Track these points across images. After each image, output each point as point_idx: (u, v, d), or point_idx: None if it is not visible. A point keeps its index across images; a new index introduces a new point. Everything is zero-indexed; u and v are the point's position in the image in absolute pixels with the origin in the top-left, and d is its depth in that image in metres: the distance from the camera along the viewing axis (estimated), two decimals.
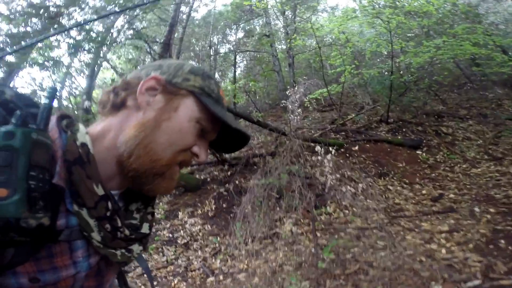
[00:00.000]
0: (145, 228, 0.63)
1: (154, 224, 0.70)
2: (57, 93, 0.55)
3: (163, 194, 0.70)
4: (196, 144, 0.61)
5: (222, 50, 15.89)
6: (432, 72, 9.54)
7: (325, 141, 6.91)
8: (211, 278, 3.35)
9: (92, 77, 10.64)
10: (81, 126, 0.55)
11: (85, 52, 8.15)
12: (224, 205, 5.31)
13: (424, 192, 4.73)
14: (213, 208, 5.23)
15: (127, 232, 0.57)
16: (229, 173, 6.39)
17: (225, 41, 16.04)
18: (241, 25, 14.55)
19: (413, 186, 5.08)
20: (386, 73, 8.91)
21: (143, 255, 0.72)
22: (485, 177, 4.71)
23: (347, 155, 6.52)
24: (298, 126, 9.07)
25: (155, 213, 0.71)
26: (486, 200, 3.75)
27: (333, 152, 5.44)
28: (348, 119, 8.88)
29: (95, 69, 10.95)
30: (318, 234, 4.19)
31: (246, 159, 6.32)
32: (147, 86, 0.58)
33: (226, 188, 5.68)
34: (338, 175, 5.73)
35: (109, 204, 0.54)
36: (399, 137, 7.21)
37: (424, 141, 6.95)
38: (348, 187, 5.11)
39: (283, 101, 10.75)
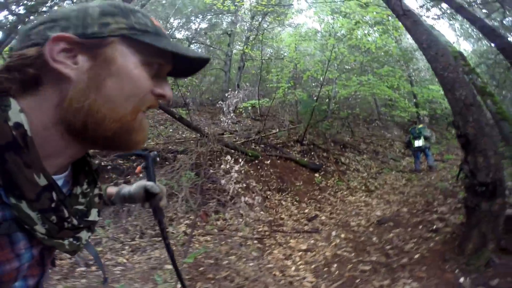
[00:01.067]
0: (93, 215, 0.58)
1: (102, 207, 0.63)
2: None
3: (141, 145, 0.57)
4: (155, 86, 0.53)
5: (179, 36, 15.53)
6: (354, 104, 11.01)
7: (244, 150, 7.59)
8: (82, 268, 3.19)
9: None
10: (13, 102, 0.44)
11: None
12: None
13: (306, 211, 5.69)
14: None
15: (75, 221, 0.51)
16: (134, 164, 6.57)
17: (185, 27, 15.65)
18: (207, 16, 14.39)
19: (301, 204, 6.04)
20: (315, 98, 9.96)
21: (90, 242, 0.68)
22: (354, 205, 5.85)
23: (258, 167, 7.30)
24: (226, 129, 9.71)
25: (102, 195, 0.64)
26: (344, 226, 4.76)
27: (241, 164, 6.15)
28: (272, 133, 9.72)
29: None
30: (209, 238, 4.71)
31: (157, 152, 6.66)
32: (59, 49, 0.45)
33: (126, 180, 5.66)
34: (244, 184, 6.48)
35: (54, 195, 0.47)
36: (306, 159, 8.26)
37: (324, 166, 8.11)
38: (247, 197, 5.86)
39: (220, 102, 11.26)
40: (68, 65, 0.46)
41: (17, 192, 0.43)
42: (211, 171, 6.42)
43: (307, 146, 9.08)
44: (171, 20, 14.94)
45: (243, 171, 7.09)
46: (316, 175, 7.65)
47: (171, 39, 0.56)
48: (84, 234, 0.55)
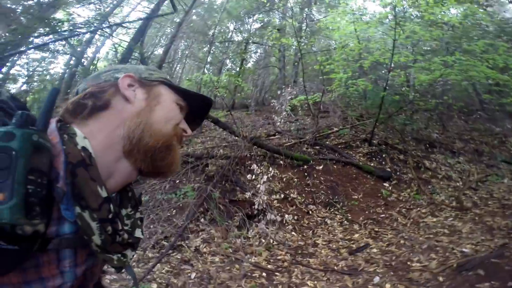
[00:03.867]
0: (138, 233, 0.63)
1: (143, 229, 0.66)
2: (58, 94, 0.54)
3: (177, 168, 0.65)
4: (181, 122, 0.69)
5: (237, 38, 15.10)
6: (443, 92, 8.33)
7: (289, 153, 6.21)
8: None
9: None
10: (77, 130, 0.54)
11: None
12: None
13: (355, 236, 4.03)
14: None
15: (125, 236, 0.56)
16: None
17: (241, 29, 15.17)
18: (256, 16, 13.67)
19: (352, 226, 4.38)
20: (387, 87, 7.83)
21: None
22: (431, 231, 3.89)
23: (306, 174, 5.83)
24: (277, 129, 8.42)
25: (143, 219, 0.66)
26: (399, 268, 3.00)
27: (276, 171, 4.81)
28: (331, 131, 8.02)
29: None
30: (217, 259, 3.68)
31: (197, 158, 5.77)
32: (127, 83, 0.63)
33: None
34: (282, 195, 5.11)
35: (111, 207, 0.52)
36: (372, 164, 6.34)
37: (398, 173, 6.06)
38: (279, 212, 4.51)
39: (272, 100, 10.06)
40: (131, 93, 0.63)
41: (83, 202, 0.48)
42: (242, 179, 5.26)
43: (377, 146, 7.07)
44: (228, 24, 14.49)
45: (285, 179, 5.73)
46: (386, 184, 5.72)
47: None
48: (129, 252, 0.59)
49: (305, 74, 11.55)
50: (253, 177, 4.95)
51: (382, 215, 4.64)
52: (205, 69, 13.58)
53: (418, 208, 4.84)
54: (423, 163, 6.50)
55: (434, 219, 4.35)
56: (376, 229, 4.18)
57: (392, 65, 7.08)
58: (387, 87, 7.51)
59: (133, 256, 0.61)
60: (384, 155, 6.74)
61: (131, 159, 0.59)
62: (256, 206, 4.50)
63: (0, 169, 0.40)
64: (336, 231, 4.24)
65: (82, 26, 6.90)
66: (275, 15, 13.61)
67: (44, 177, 0.45)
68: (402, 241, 3.69)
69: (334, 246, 3.83)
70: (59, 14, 8.19)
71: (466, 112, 9.12)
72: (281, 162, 6.07)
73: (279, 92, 9.41)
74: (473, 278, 2.37)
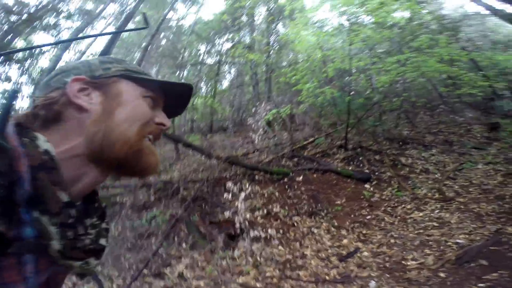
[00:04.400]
0: (102, 242, 0.56)
1: (108, 240, 0.59)
2: (18, 96, 0.52)
3: (155, 169, 0.59)
4: (155, 116, 0.61)
5: (209, 60, 15.00)
6: (404, 91, 8.51)
7: (268, 169, 5.97)
8: None
9: None
10: (38, 134, 0.50)
11: None
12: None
13: (344, 241, 3.76)
14: None
15: (87, 241, 0.52)
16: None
17: (212, 51, 15.10)
18: (225, 36, 13.73)
19: (339, 231, 4.11)
20: (352, 93, 7.90)
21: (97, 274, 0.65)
22: (420, 227, 3.70)
23: (287, 186, 5.57)
24: (256, 147, 8.21)
25: (109, 229, 0.60)
26: (394, 269, 2.74)
27: (248, 191, 4.54)
28: (309, 141, 7.93)
29: None
30: (202, 284, 3.34)
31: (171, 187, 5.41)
32: (77, 88, 0.55)
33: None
34: (264, 211, 4.81)
35: (73, 211, 0.49)
36: (350, 168, 6.20)
37: (377, 173, 5.95)
38: (263, 229, 4.19)
39: (248, 119, 9.90)
40: (85, 99, 0.54)
41: (42, 206, 0.45)
42: (222, 199, 4.93)
43: (353, 150, 6.99)
44: (200, 46, 14.45)
45: (266, 194, 5.44)
46: (367, 186, 5.56)
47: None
48: (92, 260, 0.55)
49: (278, 88, 11.53)
50: (231, 196, 4.64)
51: (368, 217, 4.42)
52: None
53: (403, 205, 4.68)
54: (399, 160, 6.46)
55: (421, 214, 4.18)
56: (364, 232, 3.93)
57: (354, 70, 7.18)
58: (352, 92, 7.58)
59: (96, 264, 0.56)
60: (361, 158, 6.65)
61: (98, 167, 0.55)
62: (237, 225, 4.16)
63: None
64: (324, 239, 3.95)
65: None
66: (245, 33, 13.76)
67: (4, 178, 0.42)
68: (392, 240, 3.46)
69: (323, 255, 3.54)
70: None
71: (429, 107, 9.35)
72: (261, 178, 5.82)
73: (253, 109, 9.29)
74: (478, 270, 2.16)
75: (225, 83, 15.92)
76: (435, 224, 3.67)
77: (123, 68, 0.59)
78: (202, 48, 14.58)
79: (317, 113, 9.30)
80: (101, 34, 1.83)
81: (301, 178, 5.85)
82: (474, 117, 7.97)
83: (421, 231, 3.56)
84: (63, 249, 0.47)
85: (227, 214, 4.34)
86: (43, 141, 0.48)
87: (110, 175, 0.58)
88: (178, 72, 12.66)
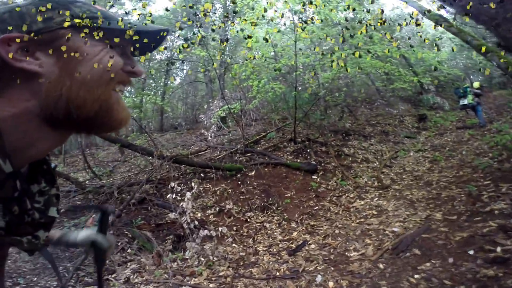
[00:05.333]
0: (52, 212, 0.50)
1: (59, 206, 0.52)
2: None
3: (126, 123, 0.50)
4: (125, 64, 0.51)
5: (159, 57, 14.17)
6: (346, 87, 8.91)
7: (219, 165, 5.81)
8: None
9: None
10: None
11: None
12: None
13: (294, 234, 3.79)
14: None
15: (36, 215, 0.46)
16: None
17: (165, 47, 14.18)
18: (177, 32, 13.02)
19: (289, 225, 4.14)
20: (299, 88, 8.02)
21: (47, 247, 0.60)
22: (361, 215, 3.86)
23: (239, 182, 5.47)
24: (209, 144, 7.99)
25: (60, 196, 0.51)
26: (339, 261, 2.81)
27: (196, 189, 4.36)
28: (261, 136, 7.91)
29: None
30: None
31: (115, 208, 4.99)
32: (13, 51, 0.42)
33: None
34: (217, 209, 4.68)
35: (18, 183, 0.41)
36: (299, 160, 6.31)
37: (323, 164, 6.12)
38: (208, 231, 4.05)
39: (200, 116, 9.60)
40: (30, 61, 0.44)
41: None
42: (170, 199, 4.67)
43: (301, 143, 7.13)
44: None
45: (218, 192, 5.29)
46: (314, 177, 5.69)
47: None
48: (41, 233, 0.49)
49: (233, 85, 11.29)
50: (180, 196, 4.42)
51: (315, 208, 4.53)
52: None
53: (346, 194, 4.87)
54: (342, 151, 6.74)
55: (362, 202, 4.39)
56: (312, 223, 4.01)
57: (301, 66, 7.27)
58: (299, 87, 7.71)
59: (46, 237, 0.49)
60: (308, 150, 6.80)
61: (58, 130, 0.47)
62: (185, 226, 3.98)
63: None
64: (275, 233, 3.95)
65: None
66: (198, 29, 13.12)
67: None
68: (337, 231, 3.56)
69: (274, 249, 3.52)
70: None
71: (368, 101, 9.93)
72: (213, 175, 5.65)
73: (205, 106, 9.02)
74: (412, 259, 2.27)
75: (177, 81, 15.27)
76: (374, 212, 3.86)
77: (75, 16, 0.47)
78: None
79: (269, 109, 9.31)
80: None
81: (253, 173, 5.80)
82: (406, 109, 8.62)
83: (362, 220, 3.72)
84: (7, 226, 0.41)
85: (173, 215, 4.11)
86: None
87: (74, 135, 0.52)
88: None
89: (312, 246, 3.32)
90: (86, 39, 0.47)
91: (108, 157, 7.84)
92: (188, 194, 4.00)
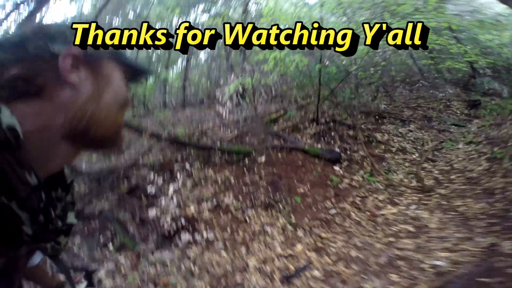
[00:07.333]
0: (71, 218, 0.51)
1: (76, 212, 0.52)
2: None
3: (123, 140, 0.54)
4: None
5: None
6: (380, 63, 7.33)
7: (227, 148, 4.89)
8: None
9: None
10: (3, 108, 0.39)
11: None
12: None
13: (297, 250, 2.79)
14: None
15: (59, 223, 0.45)
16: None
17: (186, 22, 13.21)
18: (200, 6, 11.93)
19: (295, 233, 3.15)
20: (327, 62, 6.68)
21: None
22: (390, 232, 2.74)
23: (245, 169, 4.51)
24: (224, 122, 7.06)
25: (75, 203, 0.51)
26: None
27: (194, 177, 3.47)
28: (280, 114, 6.82)
29: None
30: None
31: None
32: (70, 64, 0.45)
33: None
34: (214, 202, 3.80)
35: (43, 195, 0.41)
36: (320, 146, 5.16)
37: (348, 152, 4.93)
38: (197, 231, 3.20)
39: (216, 90, 8.68)
40: (75, 76, 0.46)
41: (9, 191, 0.38)
42: (162, 189, 3.87)
43: (325, 124, 5.92)
44: (173, 18, 12.60)
45: (220, 180, 4.39)
46: (336, 168, 4.57)
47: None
48: (62, 239, 0.49)
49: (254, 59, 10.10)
50: (153, 191, 3.59)
51: (332, 212, 3.46)
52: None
53: (375, 195, 3.72)
54: (374, 137, 5.45)
55: (394, 210, 3.23)
56: (323, 235, 2.97)
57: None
58: (326, 61, 6.36)
59: (66, 242, 0.50)
60: (332, 133, 5.60)
61: (75, 146, 0.47)
62: (165, 226, 3.16)
63: None
64: (276, 243, 2.99)
65: None
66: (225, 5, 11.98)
67: None
68: (353, 253, 2.50)
69: (268, 268, 2.57)
70: None
71: (408, 82, 8.22)
72: (218, 160, 4.75)
73: (221, 81, 8.03)
74: None
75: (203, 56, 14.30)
76: (409, 228, 2.72)
77: (111, 51, 0.51)
78: (175, 20, 12.75)
79: (292, 85, 8.07)
80: None
81: (263, 158, 4.79)
82: (454, 93, 6.91)
83: (392, 239, 2.60)
84: (34, 234, 0.39)
85: (153, 212, 3.30)
86: (8, 116, 0.38)
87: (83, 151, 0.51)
88: None
89: (315, 273, 2.31)
90: (115, 67, 0.51)
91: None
92: (171, 188, 3.13)
